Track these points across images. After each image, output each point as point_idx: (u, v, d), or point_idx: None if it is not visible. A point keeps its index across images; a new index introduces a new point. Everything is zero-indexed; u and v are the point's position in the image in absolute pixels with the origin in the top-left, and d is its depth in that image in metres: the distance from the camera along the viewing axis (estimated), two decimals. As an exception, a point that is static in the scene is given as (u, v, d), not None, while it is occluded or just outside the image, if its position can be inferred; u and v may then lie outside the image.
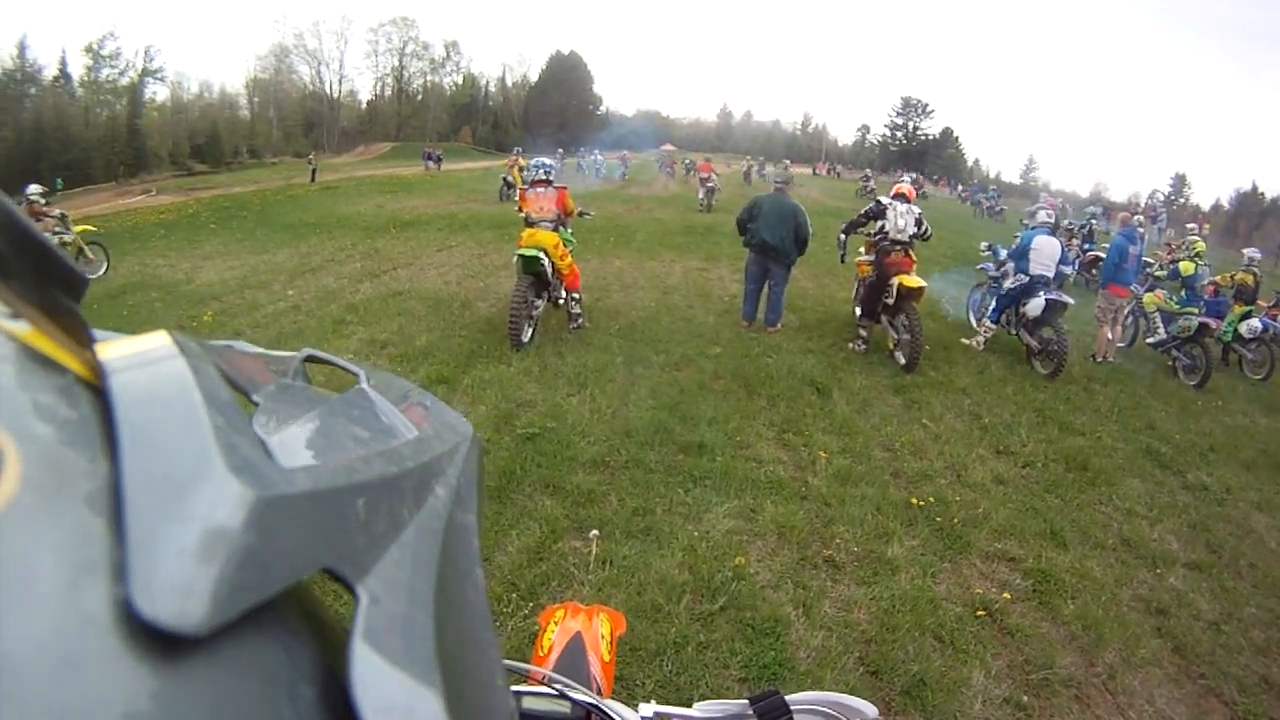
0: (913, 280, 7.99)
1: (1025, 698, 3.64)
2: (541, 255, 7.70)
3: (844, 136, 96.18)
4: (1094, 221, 17.39)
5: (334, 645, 0.31)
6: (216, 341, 0.45)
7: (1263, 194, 76.62)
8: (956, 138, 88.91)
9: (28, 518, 0.22)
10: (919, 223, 8.31)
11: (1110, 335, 9.93)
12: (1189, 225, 17.42)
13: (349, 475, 0.33)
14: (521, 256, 7.73)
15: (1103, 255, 11.45)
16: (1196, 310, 10.16)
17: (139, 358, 0.32)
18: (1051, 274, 9.09)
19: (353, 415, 0.43)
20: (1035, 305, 8.73)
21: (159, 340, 0.35)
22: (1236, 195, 78.64)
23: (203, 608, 0.23)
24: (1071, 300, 9.09)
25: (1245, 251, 12.52)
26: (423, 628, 0.32)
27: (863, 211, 8.49)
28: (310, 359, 0.54)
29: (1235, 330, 11.32)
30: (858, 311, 8.88)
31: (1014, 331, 9.25)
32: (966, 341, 9.63)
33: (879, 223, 8.29)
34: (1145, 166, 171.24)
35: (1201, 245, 11.02)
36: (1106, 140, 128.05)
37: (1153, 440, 7.39)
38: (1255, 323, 11.29)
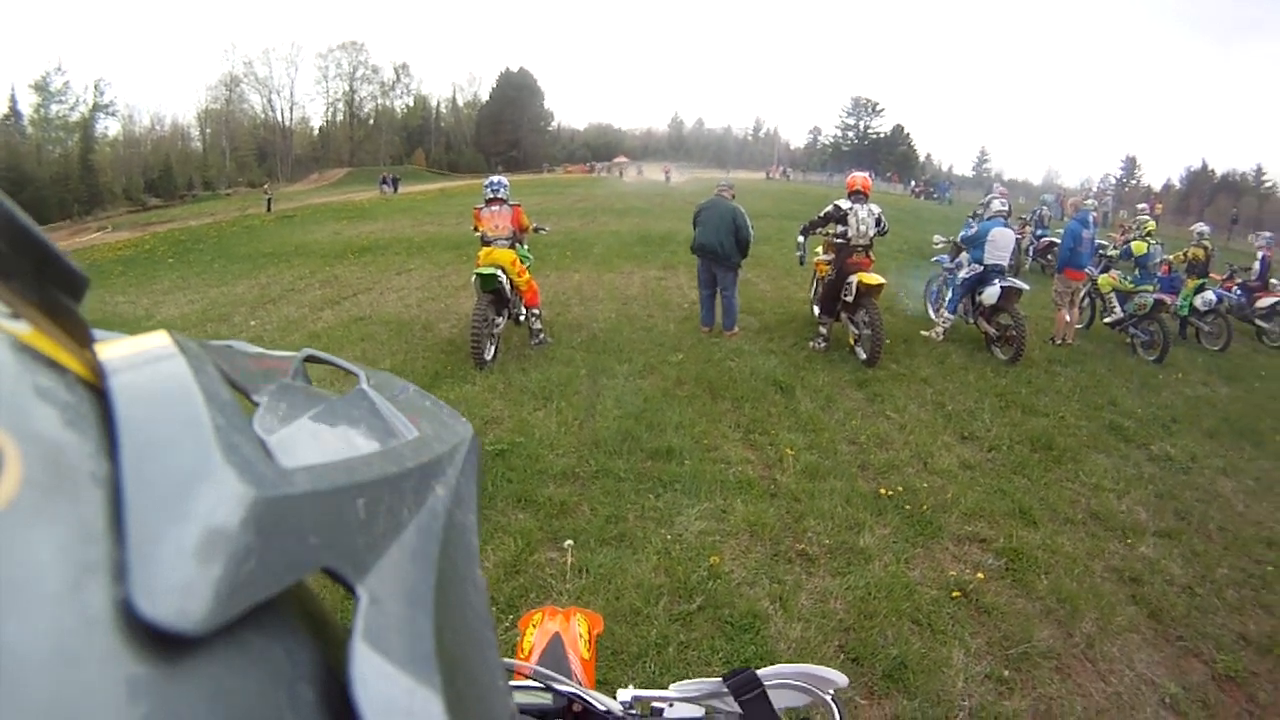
0: (872, 278, 8.14)
1: (1006, 672, 3.74)
2: (499, 273, 7.75)
3: (796, 139, 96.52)
4: (1045, 208, 17.65)
5: (334, 645, 0.31)
6: (217, 341, 0.46)
7: (1213, 171, 78.40)
8: (908, 134, 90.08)
9: (28, 517, 0.22)
10: (879, 222, 8.42)
11: (1068, 318, 10.20)
12: (1140, 206, 17.78)
13: (349, 475, 0.33)
14: (479, 275, 7.77)
15: (1057, 241, 11.70)
16: (1151, 288, 10.46)
17: (139, 357, 0.32)
18: (1006, 263, 9.35)
19: (353, 415, 0.43)
20: (991, 293, 8.97)
21: (159, 340, 0.35)
22: (1188, 174, 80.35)
23: (203, 607, 0.24)
24: (1027, 286, 9.35)
25: (1195, 227, 13.04)
26: (423, 628, 0.32)
27: (821, 214, 8.58)
28: (310, 359, 0.54)
29: (1191, 304, 11.78)
30: (817, 310, 8.99)
31: (972, 320, 9.46)
32: (926, 333, 9.79)
33: (840, 227, 8.35)
34: (1096, 151, 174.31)
35: (1152, 225, 11.29)
36: (1057, 128, 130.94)
37: (1115, 416, 7.61)
38: (1209, 295, 11.75)
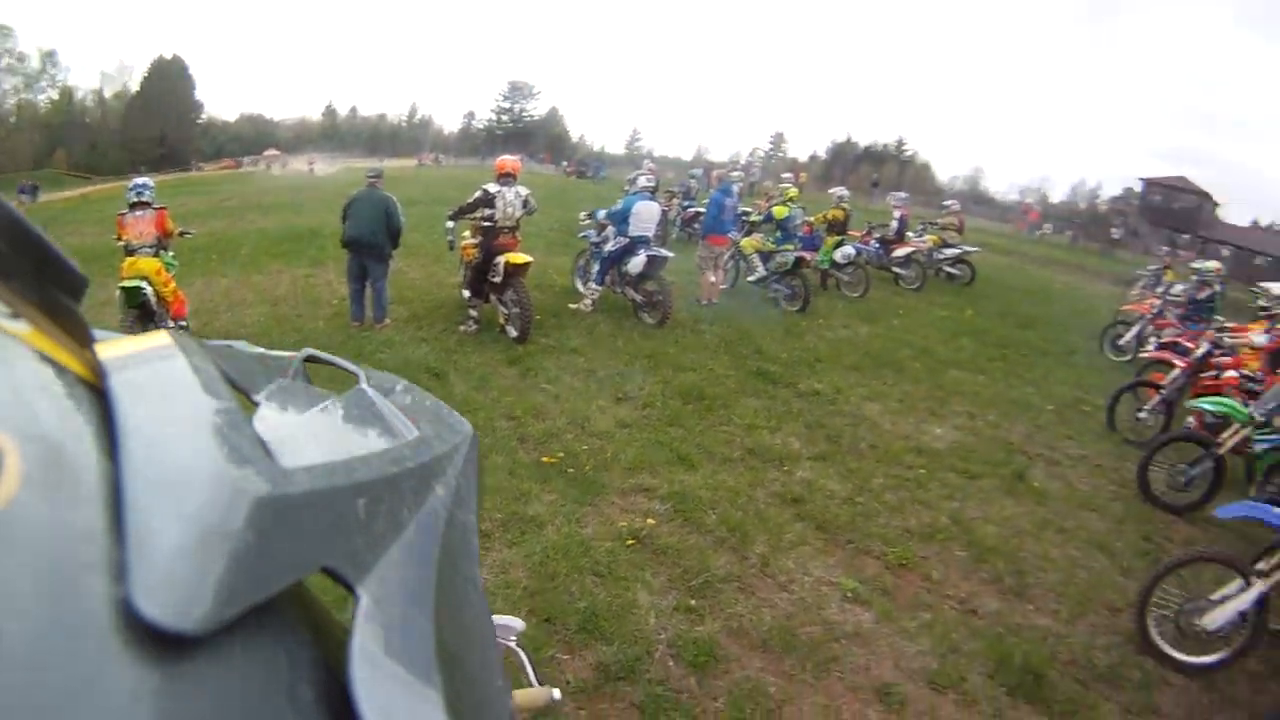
0: (519, 257, 8.47)
1: (693, 601, 4.12)
2: (144, 285, 7.18)
3: (451, 125, 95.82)
4: (693, 181, 18.82)
5: (334, 645, 0.31)
6: (217, 341, 0.47)
7: (856, 143, 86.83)
8: (562, 116, 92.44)
9: (28, 517, 0.22)
10: (525, 203, 8.61)
11: (713, 279, 11.24)
12: (785, 175, 19.73)
13: (349, 475, 0.34)
14: (123, 290, 7.16)
15: (703, 211, 12.55)
16: (792, 246, 11.72)
17: (139, 357, 0.33)
18: (651, 234, 10.04)
19: (353, 415, 0.44)
20: (637, 263, 9.61)
21: (160, 340, 0.35)
22: (833, 146, 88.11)
23: (202, 607, 0.24)
24: (671, 254, 10.09)
25: (833, 191, 14.72)
26: (423, 628, 0.33)
27: (470, 199, 8.64)
28: (310, 359, 0.56)
29: (830, 258, 13.33)
30: (467, 294, 9.03)
31: (619, 290, 9.95)
32: (575, 306, 10.18)
33: (487, 210, 8.45)
34: (747, 128, 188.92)
35: (794, 191, 12.60)
36: (708, 108, 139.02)
37: (763, 363, 8.42)
38: (848, 249, 13.39)
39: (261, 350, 0.53)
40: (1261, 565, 4.22)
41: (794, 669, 3.73)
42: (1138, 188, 54.73)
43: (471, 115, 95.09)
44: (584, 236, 10.89)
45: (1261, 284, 8.73)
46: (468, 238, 9.29)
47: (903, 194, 16.72)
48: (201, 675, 0.24)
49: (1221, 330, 8.29)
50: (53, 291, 0.33)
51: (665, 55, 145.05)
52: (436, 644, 0.33)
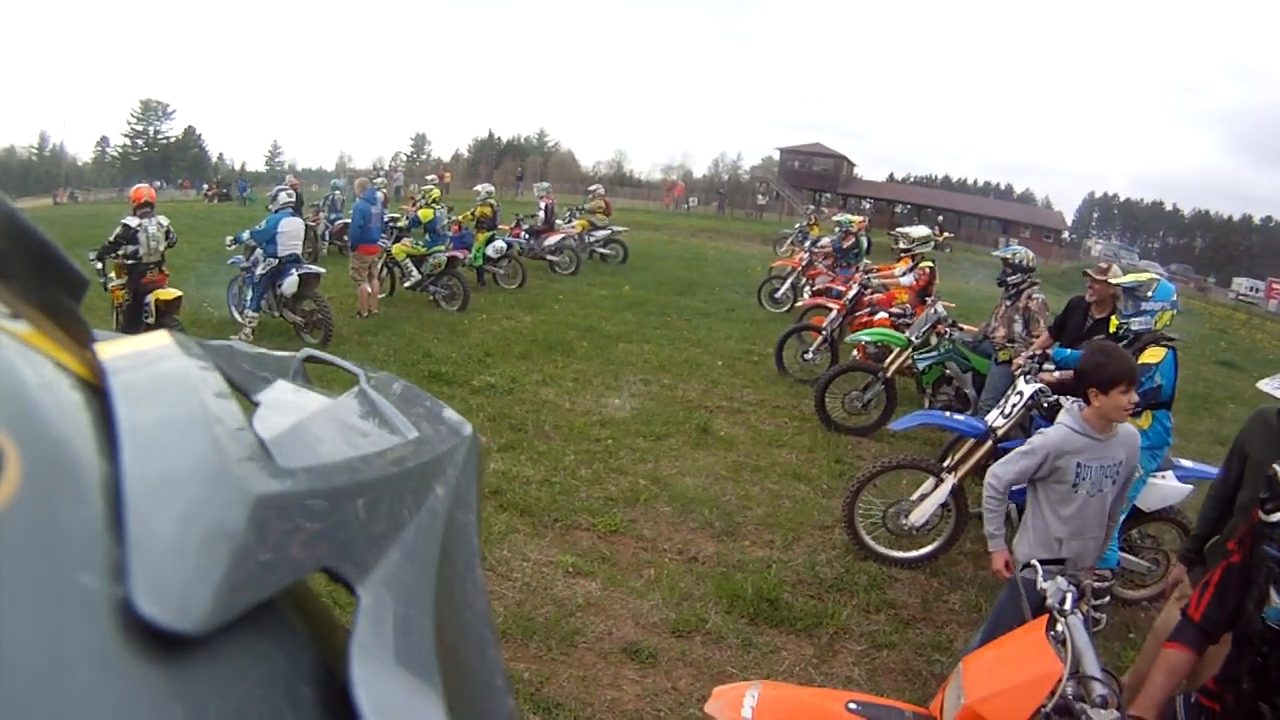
0: (168, 292, 8.06)
1: None
2: None
3: (85, 153, 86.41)
4: (338, 192, 18.25)
5: (334, 645, 0.31)
6: (217, 342, 0.47)
7: (499, 138, 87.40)
8: (199, 136, 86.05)
9: (28, 517, 0.22)
10: (168, 234, 8.00)
11: (369, 289, 11.06)
12: (429, 177, 19.51)
13: (349, 475, 0.34)
14: None
15: (350, 222, 12.23)
16: (444, 247, 11.82)
17: (139, 357, 0.33)
18: (300, 251, 9.79)
19: (353, 415, 0.43)
20: (290, 283, 9.38)
21: (160, 340, 0.36)
22: (475, 142, 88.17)
23: (202, 607, 0.24)
24: (323, 270, 10.00)
25: (478, 188, 14.91)
26: (423, 628, 0.32)
27: (113, 236, 7.93)
28: (310, 359, 0.57)
29: (484, 254, 13.45)
30: (120, 341, 8.25)
31: (278, 313, 9.53)
32: (235, 336, 9.49)
33: (130, 247, 7.77)
34: (388, 132, 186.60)
35: (437, 193, 12.69)
36: (347, 115, 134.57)
37: (433, 365, 8.49)
38: (499, 243, 13.62)
39: (261, 350, 0.52)
40: (947, 463, 4.74)
41: (541, 650, 3.84)
42: (776, 156, 58.69)
43: (105, 141, 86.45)
44: (233, 263, 10.32)
45: (900, 229, 9.87)
46: (113, 279, 8.50)
47: (545, 184, 17.42)
48: (201, 675, 0.24)
49: (869, 272, 9.27)
50: (53, 291, 0.33)
51: (301, 62, 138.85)
52: (436, 644, 0.32)
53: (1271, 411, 3.32)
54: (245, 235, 10.06)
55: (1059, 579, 2.52)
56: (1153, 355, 4.57)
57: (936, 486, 4.81)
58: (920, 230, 9.39)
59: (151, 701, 0.22)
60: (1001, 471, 3.45)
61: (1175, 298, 4.74)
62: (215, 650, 0.24)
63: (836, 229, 12.83)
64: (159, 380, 0.31)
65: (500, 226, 14.47)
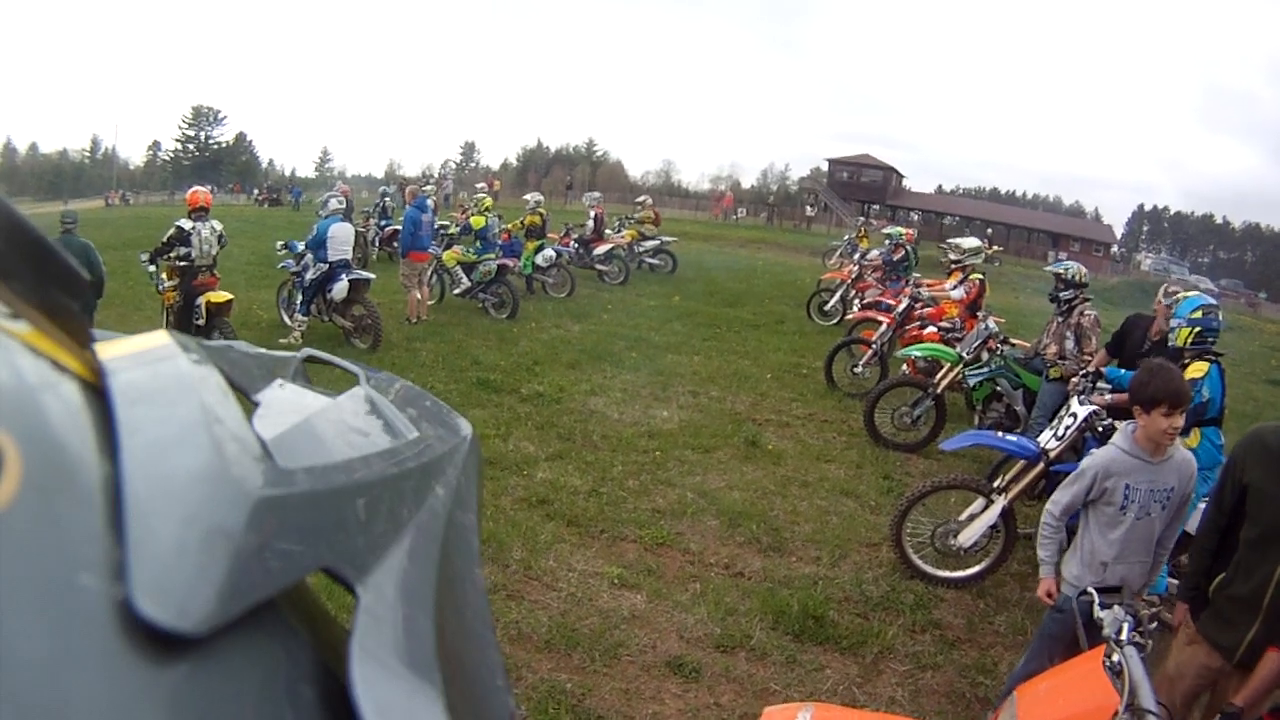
0: (220, 295, 8.21)
1: None
2: None
3: (136, 157, 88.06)
4: (387, 199, 18.41)
5: (334, 645, 0.31)
6: (217, 342, 0.48)
7: (547, 147, 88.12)
8: (250, 142, 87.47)
9: (28, 517, 0.23)
10: (220, 238, 8.18)
11: (419, 296, 11.27)
12: (479, 185, 19.70)
13: (349, 475, 0.34)
14: None
15: (400, 229, 12.35)
16: (494, 255, 11.87)
17: (139, 357, 0.33)
18: (350, 257, 9.93)
19: (353, 415, 0.44)
20: (340, 288, 9.49)
21: (160, 340, 0.36)
22: (524, 151, 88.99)
23: (203, 607, 0.24)
24: (373, 276, 10.11)
25: (527, 197, 14.96)
26: (423, 628, 0.32)
27: (166, 237, 8.08)
28: (310, 359, 0.57)
29: (533, 263, 13.52)
30: (178, 344, 8.43)
31: (327, 318, 9.62)
32: (284, 340, 9.71)
33: (183, 249, 7.94)
34: (437, 140, 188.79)
35: (489, 201, 12.79)
36: (397, 120, 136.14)
37: (482, 373, 8.54)
38: (549, 252, 13.67)
39: (261, 350, 0.53)
40: (998, 483, 4.68)
41: (584, 662, 3.85)
42: (824, 167, 57.97)
43: (157, 146, 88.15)
44: (284, 267, 10.47)
45: (950, 240, 9.78)
46: (165, 281, 8.66)
47: (596, 194, 17.46)
48: (201, 675, 0.24)
49: (918, 286, 9.19)
50: (53, 291, 0.33)
51: (350, 70, 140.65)
52: (436, 644, 0.33)
53: (1269, 431, 3.08)
54: (299, 246, 10.20)
55: (1116, 608, 2.48)
56: (1196, 370, 4.53)
57: (986, 508, 4.75)
58: (971, 241, 9.34)
59: (152, 702, 0.22)
60: (1058, 498, 3.43)
61: (1201, 314, 4.69)
62: (215, 651, 0.25)
63: (886, 241, 12.81)
64: (159, 380, 0.32)
65: (549, 235, 14.64)
